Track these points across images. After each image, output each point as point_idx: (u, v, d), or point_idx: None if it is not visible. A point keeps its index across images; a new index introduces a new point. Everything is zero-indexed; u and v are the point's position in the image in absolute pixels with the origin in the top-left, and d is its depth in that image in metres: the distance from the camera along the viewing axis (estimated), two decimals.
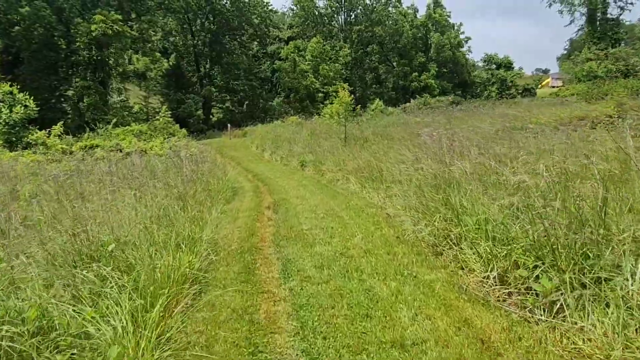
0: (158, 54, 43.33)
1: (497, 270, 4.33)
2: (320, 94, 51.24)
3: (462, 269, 4.89)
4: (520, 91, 57.64)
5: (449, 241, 5.40)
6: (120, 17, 33.16)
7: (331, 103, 45.38)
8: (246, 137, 30.71)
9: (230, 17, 47.98)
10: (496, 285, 4.29)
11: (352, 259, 5.64)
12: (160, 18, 44.58)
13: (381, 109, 35.00)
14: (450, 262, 5.17)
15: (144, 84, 48.40)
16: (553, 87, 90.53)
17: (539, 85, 67.48)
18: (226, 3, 48.66)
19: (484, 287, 4.39)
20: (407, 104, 41.84)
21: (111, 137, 26.43)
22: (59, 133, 19.85)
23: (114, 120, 30.02)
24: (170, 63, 45.91)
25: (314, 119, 34.51)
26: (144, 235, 5.10)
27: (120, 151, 21.54)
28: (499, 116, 22.29)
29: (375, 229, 6.87)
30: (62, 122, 38.41)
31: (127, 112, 34.56)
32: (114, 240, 4.61)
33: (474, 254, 4.81)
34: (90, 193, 7.87)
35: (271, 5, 56.04)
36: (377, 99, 40.63)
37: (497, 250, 4.45)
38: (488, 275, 4.41)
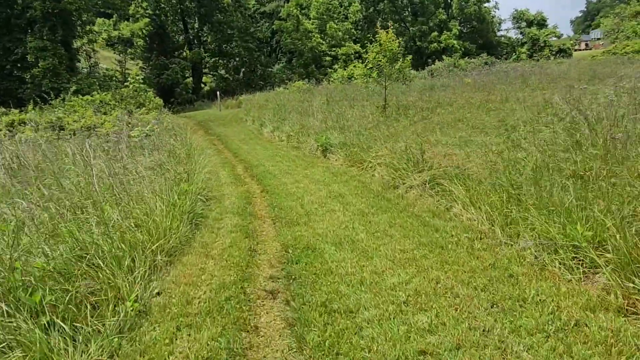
0: (138, 12, 36.19)
1: None
2: (327, 58, 44.31)
3: None
4: (554, 52, 50.38)
5: None
6: None
7: (343, 68, 38.62)
8: (241, 107, 24.29)
9: None
10: None
11: None
12: None
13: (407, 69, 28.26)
14: None
15: (130, 50, 41.26)
16: (577, 49, 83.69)
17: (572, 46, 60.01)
18: None
19: None
20: (433, 65, 35.06)
21: (65, 109, 20.21)
22: None
23: (73, 88, 23.61)
24: (155, 23, 38.72)
25: (323, 84, 28.38)
26: None
27: (62, 129, 15.48)
28: (565, 77, 16.24)
29: None
30: (22, 92, 32.30)
31: (95, 79, 27.96)
32: None
33: None
34: None
35: None
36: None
37: None
38: None
